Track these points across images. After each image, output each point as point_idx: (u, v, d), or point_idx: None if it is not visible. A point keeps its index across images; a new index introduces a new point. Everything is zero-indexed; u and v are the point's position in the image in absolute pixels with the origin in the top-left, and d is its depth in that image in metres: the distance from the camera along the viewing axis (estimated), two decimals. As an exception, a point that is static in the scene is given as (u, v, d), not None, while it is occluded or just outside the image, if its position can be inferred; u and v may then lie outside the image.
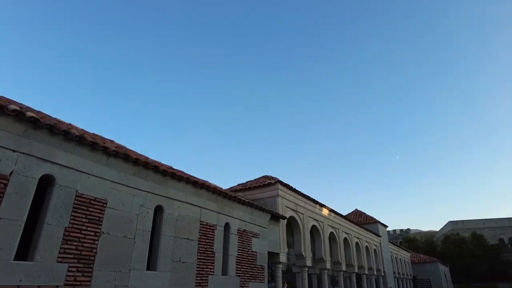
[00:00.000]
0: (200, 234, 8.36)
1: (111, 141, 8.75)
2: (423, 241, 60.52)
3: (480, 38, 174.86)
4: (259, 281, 10.25)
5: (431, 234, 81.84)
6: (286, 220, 12.66)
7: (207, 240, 8.52)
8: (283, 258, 12.02)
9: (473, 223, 69.89)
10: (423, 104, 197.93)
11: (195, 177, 8.94)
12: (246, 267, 9.79)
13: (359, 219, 26.45)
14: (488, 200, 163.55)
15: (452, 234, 59.50)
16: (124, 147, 8.64)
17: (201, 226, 8.43)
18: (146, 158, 7.88)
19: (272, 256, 12.09)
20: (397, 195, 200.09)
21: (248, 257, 9.98)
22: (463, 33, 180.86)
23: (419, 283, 37.09)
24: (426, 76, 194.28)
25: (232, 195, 9.47)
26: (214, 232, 8.81)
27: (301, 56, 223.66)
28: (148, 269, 6.90)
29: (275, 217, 11.75)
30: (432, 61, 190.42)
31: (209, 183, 9.21)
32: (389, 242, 28.87)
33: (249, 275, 9.83)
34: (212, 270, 8.44)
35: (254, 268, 10.14)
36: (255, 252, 10.35)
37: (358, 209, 28.28)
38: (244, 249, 9.90)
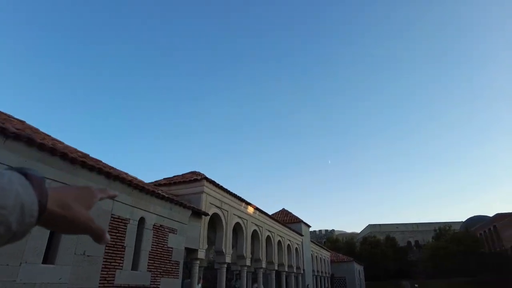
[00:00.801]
0: (111, 227, 8.05)
1: (22, 122, 8.01)
2: (344, 242, 65.18)
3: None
4: (172, 276, 10.17)
5: (353, 235, 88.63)
6: (208, 216, 12.73)
7: (118, 234, 8.23)
8: (201, 254, 12.08)
9: (388, 227, 77.25)
10: (354, 114, 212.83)
11: (110, 168, 8.58)
12: (159, 263, 9.64)
13: (285, 218, 27.55)
14: (403, 207, 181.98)
15: (370, 236, 65.03)
16: (36, 129, 7.97)
17: (112, 219, 8.11)
18: (55, 143, 7.35)
19: (191, 252, 12.10)
20: (328, 198, 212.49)
21: (163, 253, 9.84)
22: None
23: (336, 280, 39.89)
24: (361, 89, 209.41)
25: (149, 189, 9.25)
26: (126, 226, 8.54)
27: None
28: (44, 262, 6.46)
29: (197, 213, 11.76)
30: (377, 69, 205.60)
31: (125, 175, 8.90)
32: (311, 241, 30.53)
33: (162, 271, 9.70)
34: (120, 264, 8.18)
35: (168, 264, 10.04)
36: (171, 247, 10.24)
37: (285, 209, 29.45)
38: (159, 245, 9.74)
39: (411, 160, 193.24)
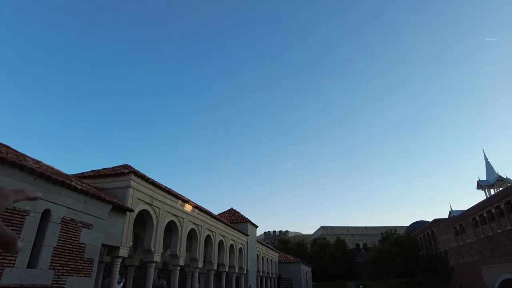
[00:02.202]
0: (2, 219, 7.20)
1: None
2: (295, 243, 66.12)
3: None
4: (83, 275, 9.40)
5: (306, 237, 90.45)
6: (134, 213, 12.05)
7: (11, 228, 7.39)
8: (123, 252, 11.38)
9: (339, 229, 79.71)
10: (314, 118, 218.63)
11: (9, 151, 7.71)
12: (67, 260, 8.86)
13: (232, 217, 27.26)
14: (356, 211, 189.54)
15: (320, 238, 66.59)
16: None
17: (5, 210, 7.26)
18: None
19: (112, 249, 11.38)
20: (287, 200, 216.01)
21: (72, 249, 9.06)
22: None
23: (283, 281, 40.26)
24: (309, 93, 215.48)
25: (58, 180, 8.46)
26: (24, 218, 7.72)
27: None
28: None
29: (120, 208, 11.05)
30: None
31: (27, 162, 8.04)
32: (258, 242, 30.48)
33: (70, 269, 8.92)
34: (12, 261, 7.35)
35: (79, 261, 9.26)
36: (84, 244, 9.47)
37: (233, 208, 29.16)
38: (69, 240, 8.96)
39: (367, 168, 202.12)
